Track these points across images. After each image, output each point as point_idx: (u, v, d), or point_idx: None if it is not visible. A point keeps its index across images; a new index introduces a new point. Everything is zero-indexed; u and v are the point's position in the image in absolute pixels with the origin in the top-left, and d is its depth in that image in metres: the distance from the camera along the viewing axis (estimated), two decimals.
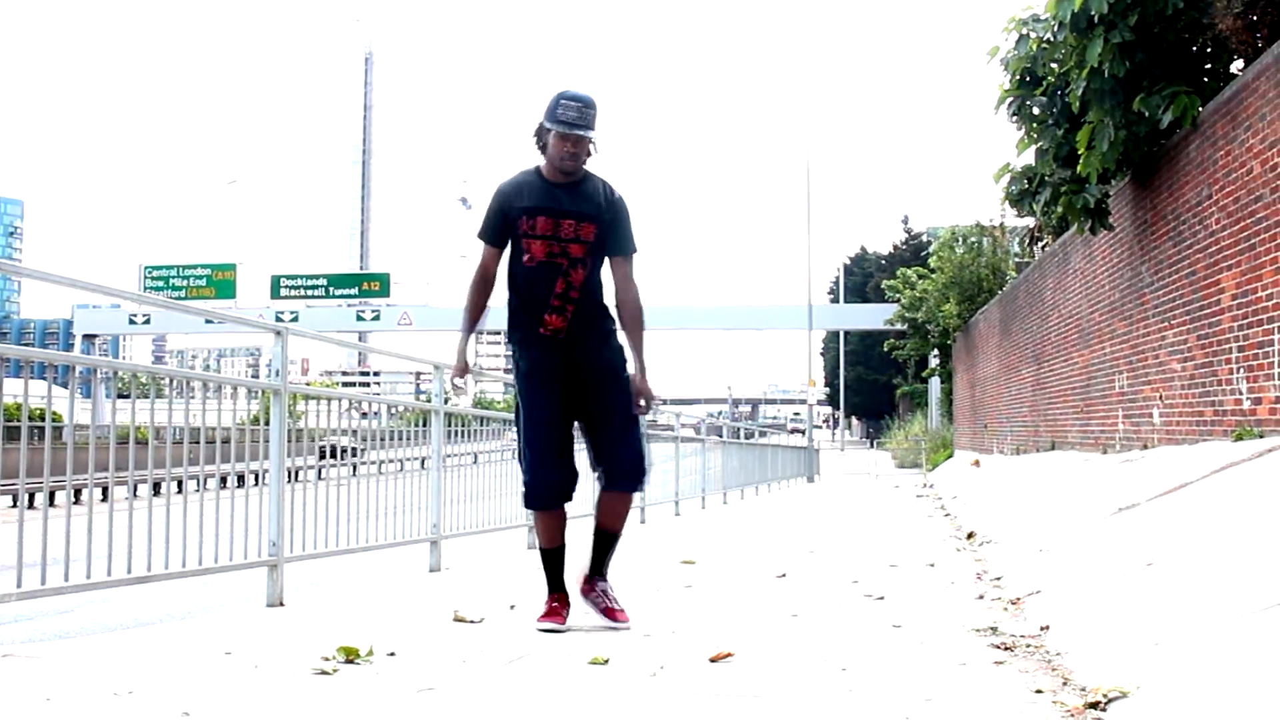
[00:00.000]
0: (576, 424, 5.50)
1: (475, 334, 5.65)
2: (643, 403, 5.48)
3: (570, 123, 5.26)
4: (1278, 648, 3.31)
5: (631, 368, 5.54)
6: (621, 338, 5.53)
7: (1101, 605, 4.89)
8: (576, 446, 5.50)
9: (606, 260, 5.49)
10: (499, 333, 5.69)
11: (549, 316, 5.33)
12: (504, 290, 5.56)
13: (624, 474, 5.45)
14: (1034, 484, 12.88)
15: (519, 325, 5.41)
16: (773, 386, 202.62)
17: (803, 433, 65.99)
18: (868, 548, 9.49)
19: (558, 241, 5.34)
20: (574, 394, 5.40)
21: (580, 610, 5.37)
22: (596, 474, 5.54)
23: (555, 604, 5.34)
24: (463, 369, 5.79)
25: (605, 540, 5.48)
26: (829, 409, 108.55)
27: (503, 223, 5.43)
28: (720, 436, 21.92)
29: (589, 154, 5.38)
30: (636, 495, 5.85)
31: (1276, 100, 8.19)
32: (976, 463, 21.54)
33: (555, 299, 5.33)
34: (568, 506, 5.47)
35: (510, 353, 5.50)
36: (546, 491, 5.40)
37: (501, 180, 5.53)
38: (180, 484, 6.04)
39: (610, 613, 5.32)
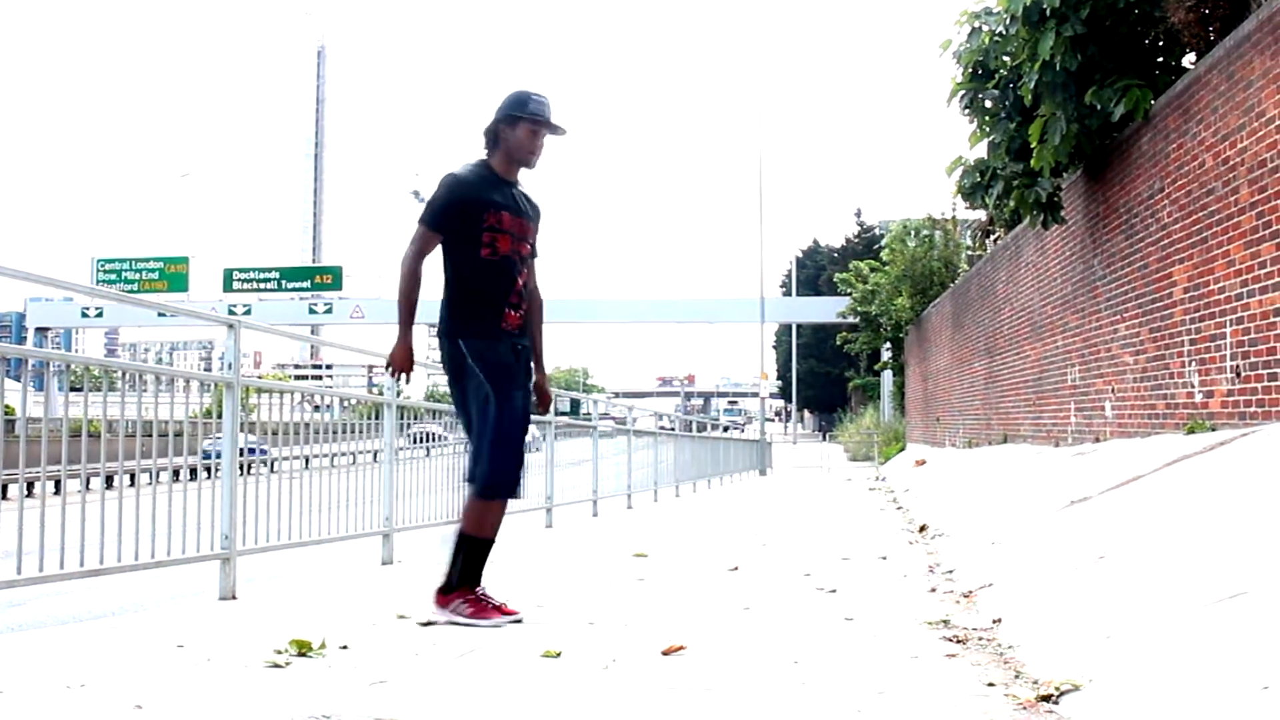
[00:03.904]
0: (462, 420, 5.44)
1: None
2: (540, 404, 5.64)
3: (546, 119, 5.34)
4: (1228, 641, 3.34)
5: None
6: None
7: (1054, 598, 4.92)
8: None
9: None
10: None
11: (509, 313, 5.31)
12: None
13: (507, 483, 5.28)
14: (986, 477, 12.94)
15: (482, 318, 5.27)
16: (725, 379, 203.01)
17: (740, 428, 65.83)
18: (820, 541, 9.52)
19: (517, 239, 5.35)
20: None
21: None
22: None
23: (485, 598, 5.21)
24: (411, 361, 5.53)
25: (481, 549, 5.27)
26: (781, 402, 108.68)
27: (458, 213, 5.27)
28: (674, 429, 21.93)
29: None
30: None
31: (1228, 94, 8.26)
32: (921, 462, 21.60)
33: (514, 296, 5.32)
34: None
35: (465, 347, 5.26)
36: (519, 479, 5.29)
37: (455, 170, 5.38)
38: (133, 477, 6.00)
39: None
